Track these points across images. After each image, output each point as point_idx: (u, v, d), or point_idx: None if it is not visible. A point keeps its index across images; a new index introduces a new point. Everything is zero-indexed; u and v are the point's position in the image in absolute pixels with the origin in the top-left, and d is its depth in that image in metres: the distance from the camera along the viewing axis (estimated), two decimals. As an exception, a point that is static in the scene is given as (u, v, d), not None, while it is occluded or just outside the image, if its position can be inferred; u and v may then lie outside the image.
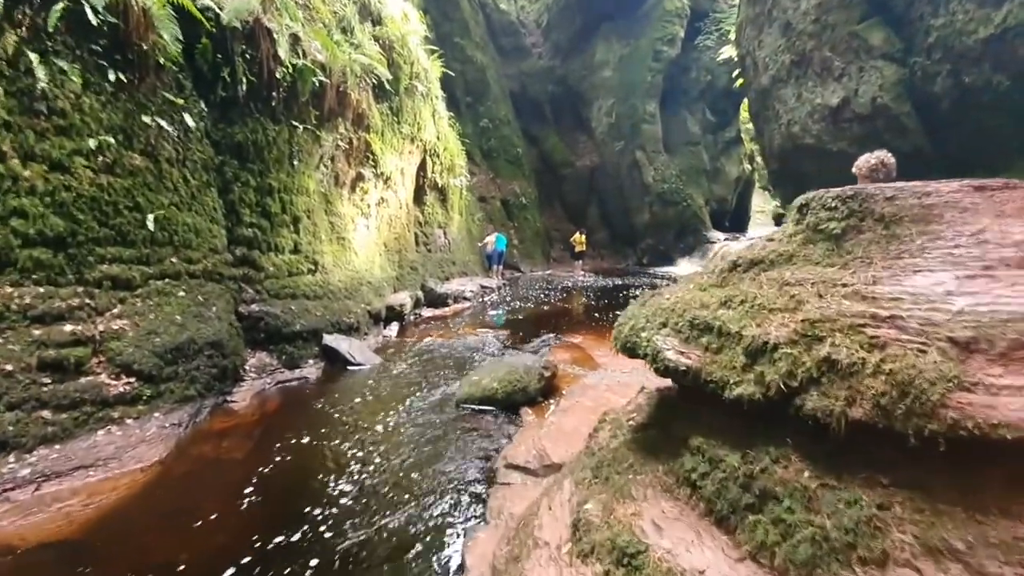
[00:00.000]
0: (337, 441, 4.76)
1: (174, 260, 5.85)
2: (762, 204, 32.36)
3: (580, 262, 21.15)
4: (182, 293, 5.82)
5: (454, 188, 13.56)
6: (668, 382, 4.77)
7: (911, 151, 10.69)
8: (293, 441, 4.75)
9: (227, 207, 6.66)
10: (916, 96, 10.35)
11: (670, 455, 2.77)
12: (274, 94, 7.00)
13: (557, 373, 6.24)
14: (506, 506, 3.56)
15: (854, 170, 4.05)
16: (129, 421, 4.82)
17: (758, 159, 28.37)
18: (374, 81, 8.96)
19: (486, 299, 13.03)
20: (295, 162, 7.31)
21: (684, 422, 2.87)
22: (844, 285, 2.15)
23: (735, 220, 26.98)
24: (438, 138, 12.21)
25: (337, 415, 5.39)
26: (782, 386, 2.04)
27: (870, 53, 10.98)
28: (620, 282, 17.04)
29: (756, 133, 16.55)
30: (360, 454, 4.45)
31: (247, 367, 6.25)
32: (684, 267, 22.22)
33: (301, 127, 7.34)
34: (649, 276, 19.17)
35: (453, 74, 15.50)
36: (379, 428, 5.06)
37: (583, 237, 21.00)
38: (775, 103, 14.16)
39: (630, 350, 3.00)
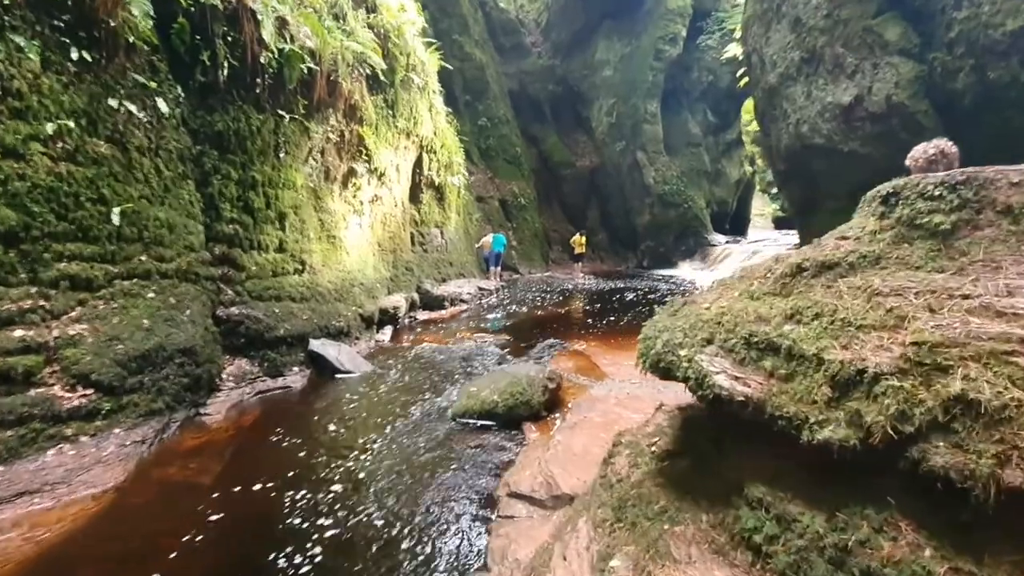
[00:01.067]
0: (319, 462, 4.21)
1: (143, 258, 5.29)
2: (761, 207, 31.93)
3: (580, 264, 20.65)
4: (152, 295, 5.26)
5: (451, 187, 13.02)
6: (689, 399, 4.22)
7: (928, 151, 10.19)
8: (270, 463, 4.20)
9: (205, 201, 6.10)
10: (935, 94, 9.87)
11: (716, 502, 2.24)
12: (258, 80, 6.45)
13: (562, 384, 5.71)
14: (511, 549, 3.02)
15: (908, 162, 3.54)
16: (84, 439, 4.26)
17: (759, 161, 27.98)
18: (368, 71, 8.42)
19: (484, 302, 12.50)
20: (281, 154, 6.76)
21: (732, 461, 2.33)
22: (965, 297, 1.61)
23: (735, 223, 26.57)
24: (435, 134, 11.67)
25: (321, 430, 4.84)
26: (890, 431, 1.50)
27: (885, 49, 10.50)
28: (621, 285, 16.55)
29: (762, 133, 16.07)
30: (344, 480, 3.91)
31: (224, 375, 5.70)
32: (684, 270, 21.78)
33: (288, 117, 6.79)
34: (650, 279, 18.69)
35: (451, 68, 14.96)
36: (367, 446, 4.51)
37: (583, 239, 20.50)
38: (783, 102, 13.68)
39: (664, 370, 2.47)
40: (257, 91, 6.48)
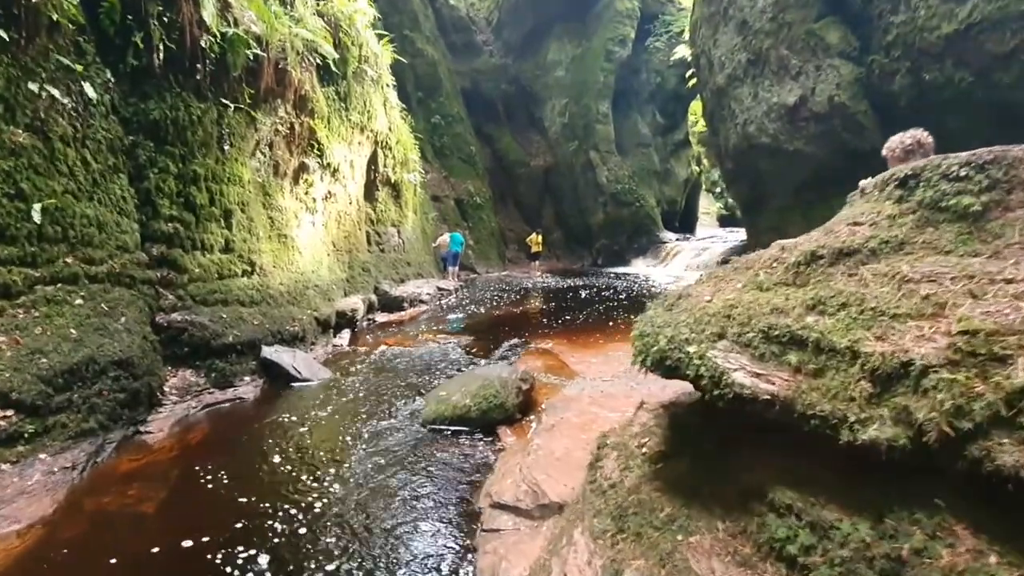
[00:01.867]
0: (275, 482, 3.82)
1: (69, 260, 4.71)
2: (707, 206, 32.99)
3: (536, 263, 20.59)
4: (80, 301, 4.69)
5: (408, 184, 12.60)
6: (672, 396, 4.08)
7: (869, 150, 10.65)
8: (218, 484, 3.77)
9: (141, 197, 5.53)
10: (873, 95, 10.33)
11: (732, 509, 2.08)
12: (199, 66, 5.90)
13: (535, 385, 5.51)
14: (502, 568, 2.78)
15: (885, 152, 3.54)
16: (4, 467, 3.72)
17: (704, 161, 28.87)
18: (318, 61, 7.94)
19: (443, 302, 12.16)
20: (226, 147, 6.23)
21: (744, 462, 2.18)
22: (1009, 281, 1.50)
23: (684, 221, 27.32)
24: (390, 129, 11.24)
25: (277, 445, 4.43)
26: (947, 428, 1.36)
27: (827, 52, 10.91)
28: (579, 283, 16.58)
29: (710, 133, 16.49)
30: (305, 501, 3.54)
31: (167, 389, 5.16)
32: (638, 267, 22.15)
33: (232, 106, 6.26)
34: (605, 276, 18.85)
35: (405, 61, 14.51)
36: (330, 460, 4.15)
37: (539, 238, 20.46)
38: (731, 102, 14.05)
39: (670, 369, 2.29)
40: (197, 77, 5.94)
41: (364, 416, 5.07)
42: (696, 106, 25.24)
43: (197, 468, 4.10)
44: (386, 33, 11.32)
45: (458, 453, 4.29)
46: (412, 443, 4.45)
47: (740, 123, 13.58)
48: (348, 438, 4.60)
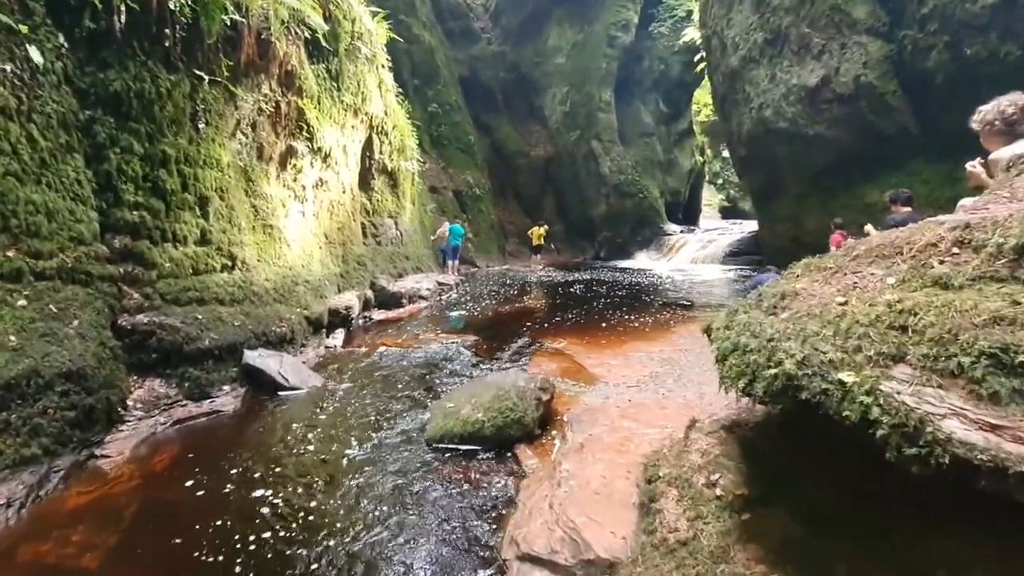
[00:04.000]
0: (256, 517, 3.12)
1: (10, 254, 3.97)
2: (708, 198, 32.25)
3: (538, 256, 19.88)
4: (22, 302, 3.95)
5: (406, 173, 11.82)
6: (729, 411, 3.41)
7: (897, 132, 9.99)
8: (184, 524, 3.08)
9: (100, 181, 4.78)
10: (904, 73, 9.62)
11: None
12: (167, 31, 5.14)
13: (554, 393, 4.81)
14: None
15: (976, 124, 2.89)
16: (-88, 508, 2.98)
17: (708, 151, 28.16)
18: (307, 35, 7.16)
19: (444, 298, 11.44)
20: (200, 125, 5.47)
21: (903, 534, 1.47)
22: None
23: (687, 213, 26.66)
24: (386, 113, 10.45)
25: (259, 470, 3.73)
26: None
27: (853, 28, 10.18)
28: (584, 276, 15.90)
29: (721, 118, 15.76)
30: (291, 545, 2.84)
31: (130, 402, 4.43)
32: (641, 260, 21.52)
33: (207, 79, 5.50)
34: (610, 270, 18.19)
35: (400, 43, 13.69)
36: (318, 491, 3.45)
37: (542, 230, 19.73)
38: (745, 85, 13.32)
39: (804, 404, 1.57)
40: (166, 44, 5.17)
41: (360, 433, 4.35)
42: (701, 94, 24.51)
43: (160, 502, 3.39)
44: (380, 10, 10.51)
45: (472, 480, 3.59)
46: (416, 468, 3.75)
47: (755, 107, 12.86)
48: (340, 459, 3.89)
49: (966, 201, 2.68)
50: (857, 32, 10.00)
